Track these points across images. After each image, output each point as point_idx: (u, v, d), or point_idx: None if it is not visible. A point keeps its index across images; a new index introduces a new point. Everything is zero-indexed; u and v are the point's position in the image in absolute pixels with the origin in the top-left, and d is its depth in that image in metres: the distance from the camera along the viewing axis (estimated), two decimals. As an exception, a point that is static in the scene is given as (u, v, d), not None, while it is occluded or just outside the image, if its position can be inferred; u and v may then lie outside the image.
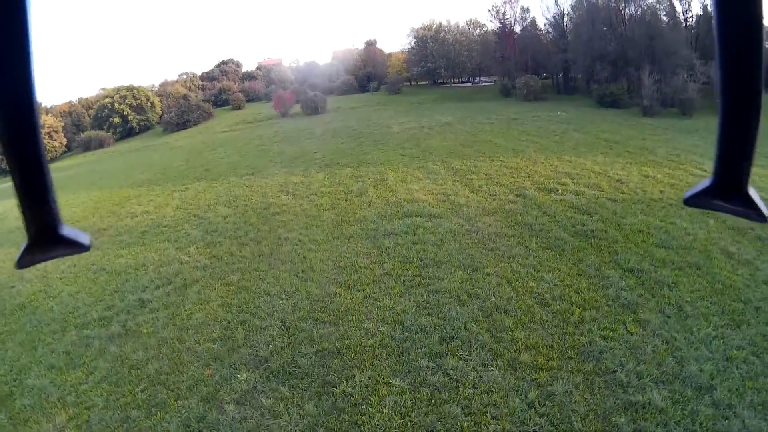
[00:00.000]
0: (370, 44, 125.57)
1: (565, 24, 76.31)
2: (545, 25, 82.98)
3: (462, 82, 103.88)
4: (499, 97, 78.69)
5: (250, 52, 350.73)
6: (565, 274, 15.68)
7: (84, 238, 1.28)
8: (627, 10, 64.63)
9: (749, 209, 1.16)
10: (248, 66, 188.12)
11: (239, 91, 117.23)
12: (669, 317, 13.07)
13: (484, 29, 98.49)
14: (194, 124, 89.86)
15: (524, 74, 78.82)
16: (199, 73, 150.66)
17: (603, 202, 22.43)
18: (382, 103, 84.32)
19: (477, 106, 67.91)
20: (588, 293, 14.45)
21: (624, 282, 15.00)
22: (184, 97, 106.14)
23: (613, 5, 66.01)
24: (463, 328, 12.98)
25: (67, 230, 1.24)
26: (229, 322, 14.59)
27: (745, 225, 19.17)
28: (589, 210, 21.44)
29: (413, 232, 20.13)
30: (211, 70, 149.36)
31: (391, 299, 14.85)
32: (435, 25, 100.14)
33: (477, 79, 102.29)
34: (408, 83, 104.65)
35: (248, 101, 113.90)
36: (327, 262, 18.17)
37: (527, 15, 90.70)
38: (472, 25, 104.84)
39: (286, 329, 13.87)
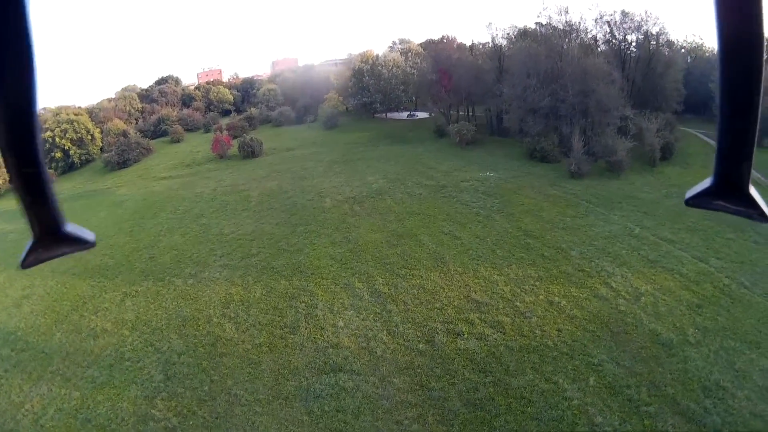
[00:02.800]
0: (309, 68, 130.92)
1: (502, 64, 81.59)
2: (484, 59, 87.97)
3: (399, 111, 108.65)
4: (432, 139, 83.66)
5: (190, 60, 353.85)
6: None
7: (89, 236, 1.62)
8: (562, 66, 69.95)
9: (751, 209, 1.49)
10: (187, 77, 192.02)
11: (178, 121, 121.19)
12: None
13: (421, 63, 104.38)
14: (134, 162, 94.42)
15: (460, 107, 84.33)
16: (138, 88, 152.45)
17: (501, 353, 27.46)
18: (317, 143, 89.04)
19: (410, 155, 72.93)
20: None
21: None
22: (124, 134, 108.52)
23: (547, 61, 71.49)
24: None
25: (71, 228, 1.57)
26: None
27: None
28: (486, 367, 26.40)
29: (337, 395, 24.71)
30: (150, 89, 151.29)
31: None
32: (372, 57, 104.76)
33: (411, 112, 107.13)
34: (346, 109, 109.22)
35: (187, 130, 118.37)
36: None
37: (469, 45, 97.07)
38: (408, 55, 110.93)
39: None
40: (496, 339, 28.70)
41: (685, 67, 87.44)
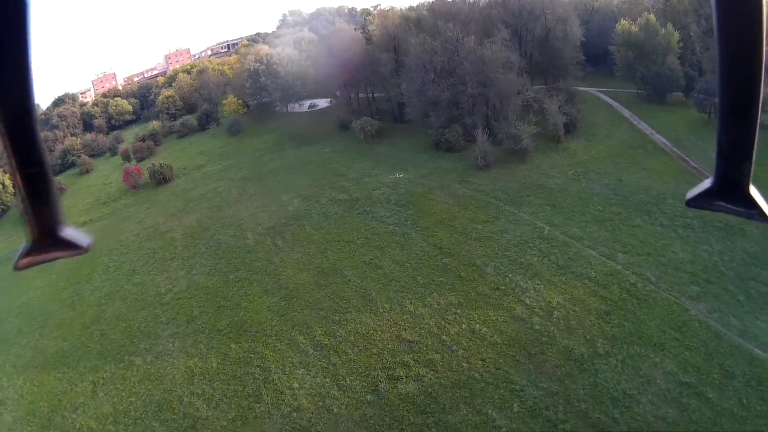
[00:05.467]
0: (202, 71, 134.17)
1: (399, 55, 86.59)
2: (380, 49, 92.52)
3: (299, 103, 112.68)
4: (337, 134, 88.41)
5: (79, 64, 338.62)
6: None
7: (83, 240, 1.73)
8: (458, 58, 75.27)
9: (751, 209, 1.64)
10: (81, 84, 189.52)
11: (83, 149, 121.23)
12: None
13: (315, 51, 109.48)
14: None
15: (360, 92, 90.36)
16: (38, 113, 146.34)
17: (437, 392, 33.65)
18: (225, 155, 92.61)
19: (318, 161, 77.61)
20: None
21: None
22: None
23: (444, 54, 76.73)
24: None
25: (68, 232, 1.68)
26: None
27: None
28: (426, 408, 32.67)
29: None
30: (48, 113, 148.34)
31: None
32: (266, 57, 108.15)
33: (312, 102, 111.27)
34: (247, 107, 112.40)
35: (93, 155, 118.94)
36: None
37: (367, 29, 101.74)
38: (302, 45, 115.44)
39: None
40: (430, 378, 34.75)
41: (583, 23, 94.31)
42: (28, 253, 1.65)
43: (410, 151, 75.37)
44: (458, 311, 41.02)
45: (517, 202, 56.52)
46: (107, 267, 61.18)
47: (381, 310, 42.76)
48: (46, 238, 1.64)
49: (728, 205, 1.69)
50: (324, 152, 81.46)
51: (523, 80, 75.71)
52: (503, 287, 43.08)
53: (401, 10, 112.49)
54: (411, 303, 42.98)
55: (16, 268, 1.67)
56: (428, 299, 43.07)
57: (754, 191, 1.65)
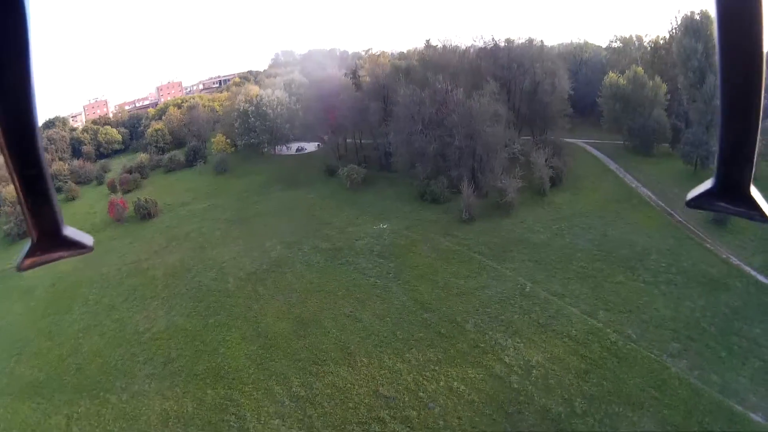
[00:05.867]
0: (192, 107, 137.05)
1: (388, 105, 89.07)
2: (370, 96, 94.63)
3: (286, 145, 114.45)
4: (323, 180, 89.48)
5: (72, 87, 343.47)
6: None
7: (87, 239, 1.78)
8: (446, 110, 77.09)
9: (752, 210, 1.62)
10: (72, 107, 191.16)
11: (69, 175, 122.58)
12: None
13: (306, 94, 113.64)
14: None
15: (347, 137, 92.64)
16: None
17: (411, 451, 33.58)
18: (210, 194, 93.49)
19: (303, 206, 78.65)
20: None
21: None
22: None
23: (432, 106, 78.91)
24: None
25: (70, 231, 1.73)
26: None
27: None
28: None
29: None
30: None
31: None
32: (256, 97, 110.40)
33: (300, 146, 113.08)
34: (234, 147, 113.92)
35: (79, 182, 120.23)
36: None
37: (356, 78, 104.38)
38: (292, 87, 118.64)
39: None
40: (405, 436, 34.96)
41: (572, 74, 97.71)
42: (31, 253, 1.71)
43: (395, 200, 76.42)
44: (437, 368, 41.44)
45: (500, 257, 57.32)
46: (87, 299, 61.48)
47: (359, 364, 43.13)
48: (49, 238, 1.71)
49: (729, 206, 1.74)
50: (309, 197, 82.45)
51: (511, 133, 77.43)
52: (483, 344, 43.59)
53: (392, 56, 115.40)
54: (389, 358, 43.38)
55: (20, 269, 1.74)
56: (407, 355, 43.50)
57: (755, 192, 1.69)
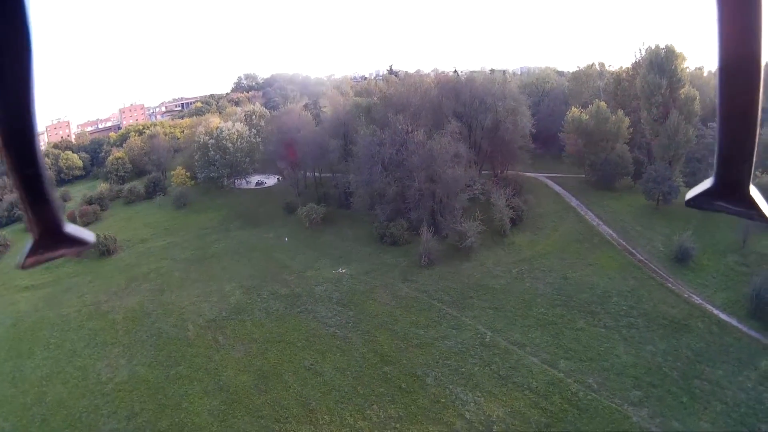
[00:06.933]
0: (153, 136, 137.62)
1: (348, 143, 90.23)
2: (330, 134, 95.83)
3: (246, 179, 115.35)
4: (282, 217, 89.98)
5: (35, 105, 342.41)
6: None
7: (88, 236, 1.80)
8: (406, 153, 78.29)
9: (751, 210, 1.68)
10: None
11: None
12: None
13: (266, 127, 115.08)
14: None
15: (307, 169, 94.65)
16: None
17: None
18: (170, 230, 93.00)
19: (262, 248, 78.81)
20: None
21: None
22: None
23: (392, 147, 79.72)
24: None
25: (71, 228, 1.76)
26: None
27: None
28: None
29: None
30: None
31: None
32: (216, 129, 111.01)
33: (259, 180, 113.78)
34: (194, 180, 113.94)
35: None
36: None
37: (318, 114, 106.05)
38: (253, 118, 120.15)
39: None
40: None
41: (533, 105, 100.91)
42: (33, 251, 1.74)
43: (355, 242, 77.07)
44: (398, 425, 41.85)
45: (460, 304, 58.16)
46: (48, 343, 60.55)
47: (321, 422, 43.37)
48: (50, 236, 1.74)
49: (728, 206, 1.77)
50: (268, 237, 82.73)
51: (471, 173, 78.87)
52: (443, 400, 44.12)
53: (354, 78, 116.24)
54: (351, 415, 43.71)
55: (23, 267, 1.76)
56: (368, 411, 43.84)
57: (754, 191, 1.73)
